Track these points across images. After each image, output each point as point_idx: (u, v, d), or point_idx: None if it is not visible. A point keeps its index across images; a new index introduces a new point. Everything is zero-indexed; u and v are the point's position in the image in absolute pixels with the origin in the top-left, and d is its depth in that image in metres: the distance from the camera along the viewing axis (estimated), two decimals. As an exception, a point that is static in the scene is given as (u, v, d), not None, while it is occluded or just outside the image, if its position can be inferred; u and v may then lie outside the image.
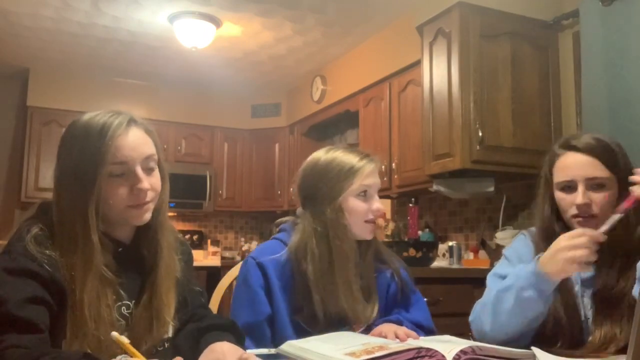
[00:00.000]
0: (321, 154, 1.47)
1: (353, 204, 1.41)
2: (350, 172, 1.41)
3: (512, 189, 3.36)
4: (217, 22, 4.05)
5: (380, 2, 3.72)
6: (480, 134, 2.99)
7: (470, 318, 1.40)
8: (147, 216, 1.13)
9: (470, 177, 3.22)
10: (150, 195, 1.11)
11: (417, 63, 3.48)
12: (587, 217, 1.33)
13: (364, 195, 1.42)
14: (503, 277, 1.40)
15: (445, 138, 3.09)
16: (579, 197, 1.32)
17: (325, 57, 4.78)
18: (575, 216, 1.34)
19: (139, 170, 1.10)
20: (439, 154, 3.14)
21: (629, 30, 2.61)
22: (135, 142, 1.10)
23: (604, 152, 1.33)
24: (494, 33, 3.11)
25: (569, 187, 1.35)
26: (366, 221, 1.42)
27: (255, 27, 4.17)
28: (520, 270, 1.27)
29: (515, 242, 1.51)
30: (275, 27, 4.18)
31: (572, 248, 1.18)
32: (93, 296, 1.02)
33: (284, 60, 4.90)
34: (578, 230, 1.22)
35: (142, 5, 3.82)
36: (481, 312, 1.35)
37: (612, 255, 1.30)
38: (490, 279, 1.45)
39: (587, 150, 1.34)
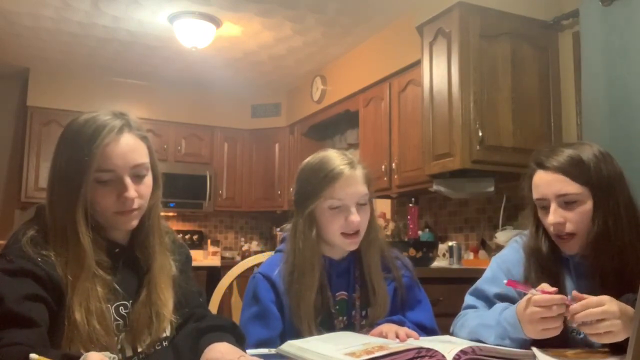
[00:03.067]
0: (309, 159, 1.43)
1: (324, 217, 1.36)
2: (324, 181, 1.35)
3: (512, 189, 3.35)
4: (217, 22, 4.05)
5: (380, 2, 3.72)
6: (480, 134, 2.99)
7: (451, 330, 1.38)
8: (134, 223, 1.14)
9: (470, 177, 3.22)
10: (137, 202, 1.11)
11: (417, 63, 3.48)
12: (564, 238, 1.29)
13: (336, 207, 1.35)
14: (482, 296, 1.38)
15: (445, 138, 3.09)
16: (550, 216, 1.28)
17: (325, 57, 4.78)
18: (554, 235, 1.31)
19: (126, 179, 1.09)
20: (439, 154, 3.14)
21: (629, 30, 2.61)
22: (125, 150, 1.09)
23: (572, 167, 1.27)
24: (494, 33, 3.11)
25: (544, 206, 1.31)
26: (343, 234, 1.36)
27: (255, 27, 4.17)
28: (499, 315, 1.22)
29: (506, 250, 1.47)
30: (275, 27, 4.18)
31: (539, 318, 1.11)
32: (86, 297, 1.03)
33: (284, 60, 4.90)
34: (543, 299, 1.12)
35: (142, 5, 3.82)
36: (460, 332, 1.33)
37: (602, 273, 1.27)
38: (468, 298, 1.42)
39: (554, 168, 1.28)
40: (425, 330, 1.41)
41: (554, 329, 1.12)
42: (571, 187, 1.27)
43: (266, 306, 1.35)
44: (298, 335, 1.31)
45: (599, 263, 1.26)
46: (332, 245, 1.41)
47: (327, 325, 1.37)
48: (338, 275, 1.42)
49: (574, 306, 1.10)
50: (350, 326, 1.40)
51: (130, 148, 1.10)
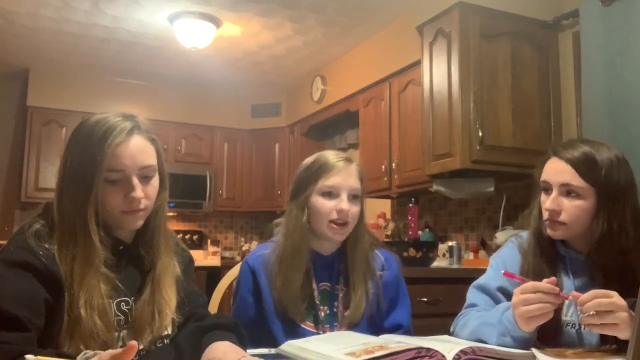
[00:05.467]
0: (308, 158, 1.51)
1: (316, 202, 1.43)
2: (318, 171, 1.44)
3: (512, 189, 3.35)
4: (217, 22, 4.05)
5: (380, 2, 3.72)
6: (480, 134, 2.99)
7: (452, 329, 1.40)
8: (140, 223, 1.16)
9: (470, 177, 3.22)
10: (143, 203, 1.13)
11: (417, 63, 3.48)
12: (555, 222, 1.32)
13: (328, 195, 1.43)
14: (485, 290, 1.40)
15: (445, 138, 3.09)
16: (548, 201, 1.32)
17: (325, 57, 4.78)
18: (546, 220, 1.34)
19: (134, 179, 1.11)
20: (439, 154, 3.14)
21: (629, 30, 2.61)
22: (135, 151, 1.12)
23: (583, 164, 1.29)
24: (494, 33, 3.11)
25: (547, 190, 1.35)
26: (330, 221, 1.42)
27: (255, 27, 4.17)
28: (502, 314, 1.24)
29: (503, 249, 1.50)
30: (275, 27, 4.18)
31: (524, 303, 1.15)
32: (90, 293, 1.05)
33: (284, 60, 4.90)
34: (529, 284, 1.17)
35: (142, 5, 3.82)
36: (461, 331, 1.35)
37: (605, 273, 1.28)
38: (471, 292, 1.44)
39: (567, 159, 1.31)
40: (401, 329, 1.48)
41: (541, 316, 1.15)
42: (576, 181, 1.29)
43: (243, 297, 1.44)
44: (285, 315, 1.38)
45: (602, 262, 1.28)
46: (320, 238, 1.47)
47: (312, 313, 1.43)
48: (322, 267, 1.48)
49: (583, 296, 1.12)
50: (332, 316, 1.45)
51: (139, 149, 1.13)
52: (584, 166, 1.29)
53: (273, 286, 1.42)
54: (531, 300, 1.14)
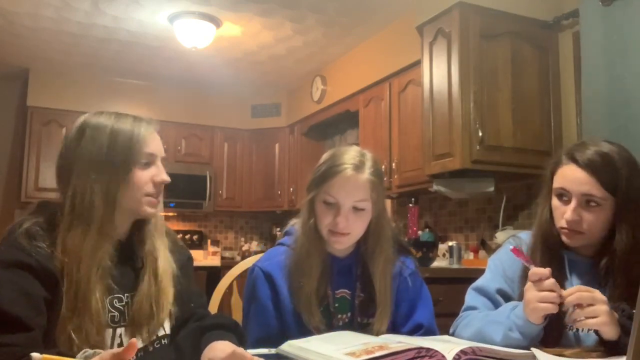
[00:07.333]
0: (332, 149, 1.43)
1: (318, 207, 1.36)
2: (324, 174, 1.35)
3: (512, 189, 3.35)
4: (217, 22, 4.05)
5: (380, 2, 3.72)
6: (480, 134, 2.99)
7: (451, 332, 1.39)
8: (160, 208, 1.20)
9: (470, 177, 3.22)
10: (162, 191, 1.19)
11: (417, 63, 3.48)
12: (574, 231, 1.30)
13: (329, 204, 1.34)
14: (483, 292, 1.40)
15: (445, 138, 3.09)
16: (568, 212, 1.29)
17: (325, 57, 4.78)
18: (562, 228, 1.32)
19: (159, 163, 1.18)
20: (439, 154, 3.14)
21: (629, 30, 2.61)
22: (158, 139, 1.20)
23: (605, 172, 1.26)
24: (494, 33, 3.11)
25: (564, 197, 1.32)
26: (330, 231, 1.34)
27: (255, 27, 4.17)
28: (510, 311, 1.24)
29: (501, 251, 1.48)
30: (275, 27, 4.18)
31: (537, 288, 1.16)
32: (85, 290, 1.05)
33: (284, 60, 4.90)
34: (545, 271, 1.17)
35: (142, 5, 3.82)
36: (463, 331, 1.34)
37: (619, 278, 1.28)
38: (470, 294, 1.43)
39: (588, 167, 1.27)
40: (422, 329, 1.42)
41: (549, 305, 1.15)
42: (598, 192, 1.27)
43: (264, 305, 1.35)
44: (302, 325, 1.32)
45: (632, 275, 1.26)
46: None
47: (326, 321, 1.36)
48: (339, 272, 1.41)
49: (566, 291, 1.15)
50: (351, 324, 1.39)
51: (159, 139, 1.21)
52: (605, 176, 1.26)
53: (291, 291, 1.35)
54: (537, 287, 1.16)
